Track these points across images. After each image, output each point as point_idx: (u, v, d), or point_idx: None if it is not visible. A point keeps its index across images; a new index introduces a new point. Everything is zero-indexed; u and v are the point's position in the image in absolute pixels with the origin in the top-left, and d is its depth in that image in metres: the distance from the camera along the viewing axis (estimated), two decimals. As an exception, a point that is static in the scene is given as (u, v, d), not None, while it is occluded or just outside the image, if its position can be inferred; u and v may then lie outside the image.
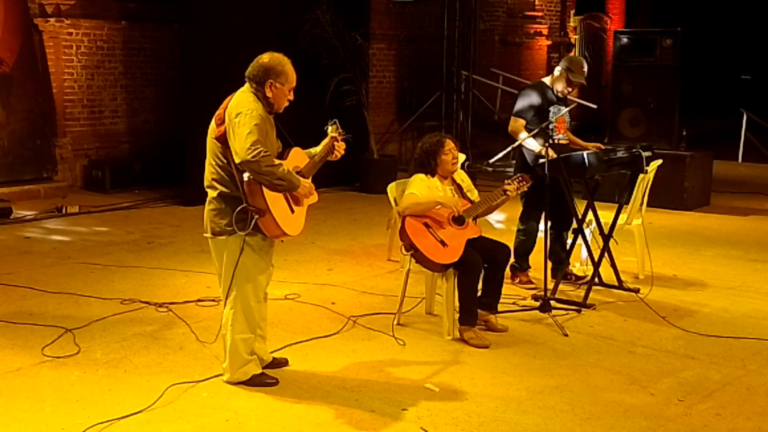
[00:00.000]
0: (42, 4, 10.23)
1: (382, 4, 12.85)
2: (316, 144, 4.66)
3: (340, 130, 4.55)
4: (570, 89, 6.52)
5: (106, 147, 10.91)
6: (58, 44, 10.31)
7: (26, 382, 4.55)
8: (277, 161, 4.30)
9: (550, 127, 6.27)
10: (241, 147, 4.18)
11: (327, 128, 4.55)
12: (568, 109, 6.56)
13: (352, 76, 10.80)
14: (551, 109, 6.42)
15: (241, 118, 4.23)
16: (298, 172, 4.45)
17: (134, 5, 11.04)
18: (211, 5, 9.77)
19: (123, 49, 10.97)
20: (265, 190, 4.28)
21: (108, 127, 10.97)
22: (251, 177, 4.27)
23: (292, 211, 4.44)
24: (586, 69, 6.50)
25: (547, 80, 6.64)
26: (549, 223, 6.12)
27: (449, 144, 5.50)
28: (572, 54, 6.72)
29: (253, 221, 4.31)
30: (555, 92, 6.50)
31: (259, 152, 4.16)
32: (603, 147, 6.63)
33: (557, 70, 6.48)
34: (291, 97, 4.48)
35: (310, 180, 4.52)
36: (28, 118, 9.91)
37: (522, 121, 6.43)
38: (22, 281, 6.45)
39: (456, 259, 5.23)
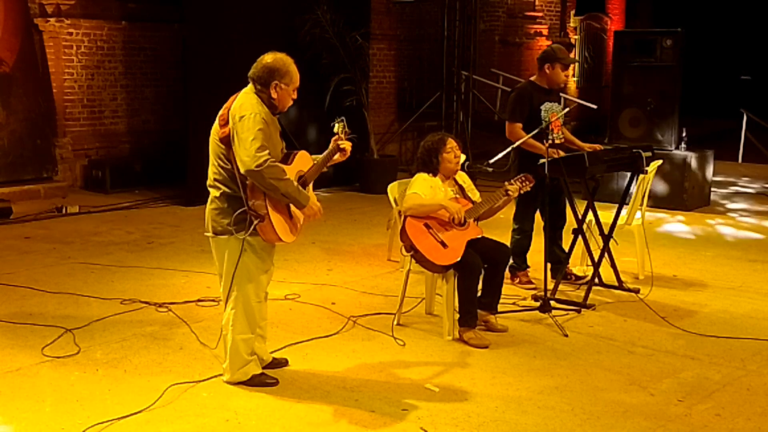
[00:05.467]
0: (42, 4, 10.23)
1: (382, 4, 12.85)
2: (317, 144, 4.65)
3: (347, 129, 4.52)
4: (567, 76, 6.64)
5: (106, 147, 10.91)
6: (58, 44, 10.31)
7: (26, 382, 4.55)
8: (283, 167, 4.27)
9: (549, 127, 6.26)
10: (246, 154, 4.15)
11: (333, 125, 4.53)
12: (561, 106, 6.58)
13: (352, 76, 10.81)
14: (541, 108, 6.42)
15: (244, 122, 4.21)
16: (301, 176, 4.45)
17: (134, 5, 11.04)
18: (211, 5, 9.77)
19: (123, 49, 10.97)
20: (267, 195, 4.27)
21: (108, 127, 10.97)
22: None
23: (291, 216, 4.43)
24: (568, 51, 6.65)
25: (534, 78, 6.64)
26: (543, 223, 6.13)
27: (451, 143, 5.50)
28: (555, 45, 6.75)
29: (253, 226, 4.30)
30: (551, 86, 6.51)
31: (265, 161, 4.14)
32: (601, 147, 6.64)
33: (547, 66, 6.47)
34: (295, 96, 4.46)
35: (310, 188, 4.50)
36: (28, 118, 9.91)
37: (519, 125, 6.43)
38: (22, 281, 6.45)
39: (456, 261, 5.23)
